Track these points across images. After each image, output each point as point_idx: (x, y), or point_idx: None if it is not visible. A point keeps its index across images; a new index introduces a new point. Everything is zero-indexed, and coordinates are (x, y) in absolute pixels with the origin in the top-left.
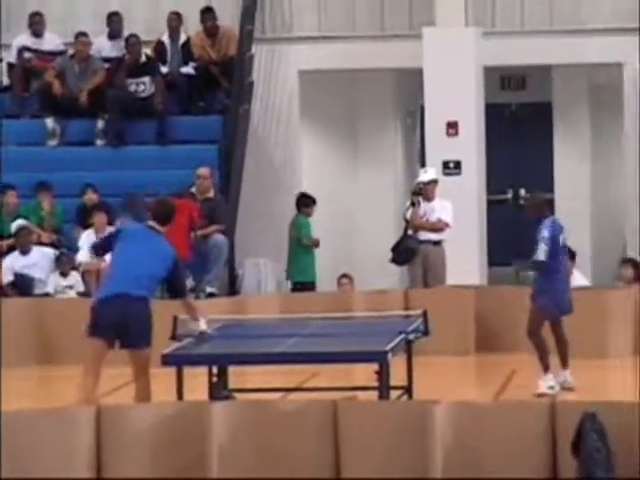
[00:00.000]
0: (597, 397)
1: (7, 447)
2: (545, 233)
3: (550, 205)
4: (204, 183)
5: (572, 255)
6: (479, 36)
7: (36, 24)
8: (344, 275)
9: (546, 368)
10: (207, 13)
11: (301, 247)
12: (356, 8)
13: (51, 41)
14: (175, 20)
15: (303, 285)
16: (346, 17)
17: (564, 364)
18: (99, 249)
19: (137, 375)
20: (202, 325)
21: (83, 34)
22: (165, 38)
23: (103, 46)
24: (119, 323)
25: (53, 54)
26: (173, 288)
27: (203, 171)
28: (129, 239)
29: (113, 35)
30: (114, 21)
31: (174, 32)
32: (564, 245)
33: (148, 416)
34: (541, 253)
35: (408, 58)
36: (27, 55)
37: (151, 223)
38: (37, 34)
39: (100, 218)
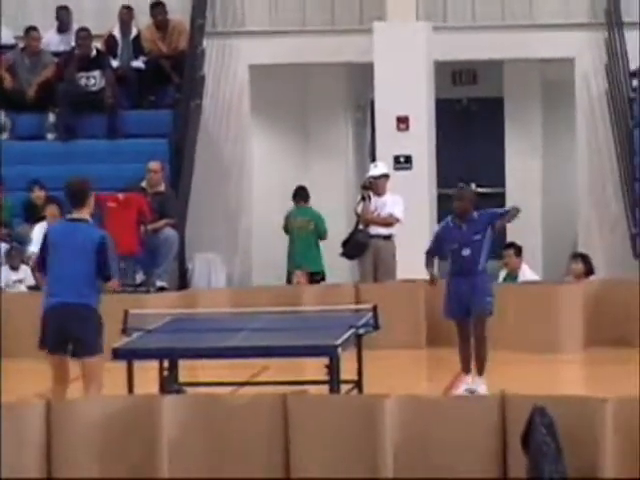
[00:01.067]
0: (547, 391)
1: None
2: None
3: (500, 199)
4: (154, 177)
5: (518, 250)
6: (430, 31)
7: None
8: (299, 267)
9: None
10: (157, 7)
11: (313, 238)
12: (307, 3)
13: (2, 35)
14: (126, 14)
15: (316, 275)
16: (297, 12)
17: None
18: (40, 266)
19: (85, 384)
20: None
21: (33, 28)
22: (116, 32)
23: (52, 40)
24: (62, 334)
25: (4, 48)
26: (99, 271)
27: (153, 165)
28: (54, 242)
29: (62, 29)
30: (63, 15)
31: (125, 26)
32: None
33: (98, 409)
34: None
35: (359, 52)
36: None
37: (71, 215)
38: None
39: (52, 210)
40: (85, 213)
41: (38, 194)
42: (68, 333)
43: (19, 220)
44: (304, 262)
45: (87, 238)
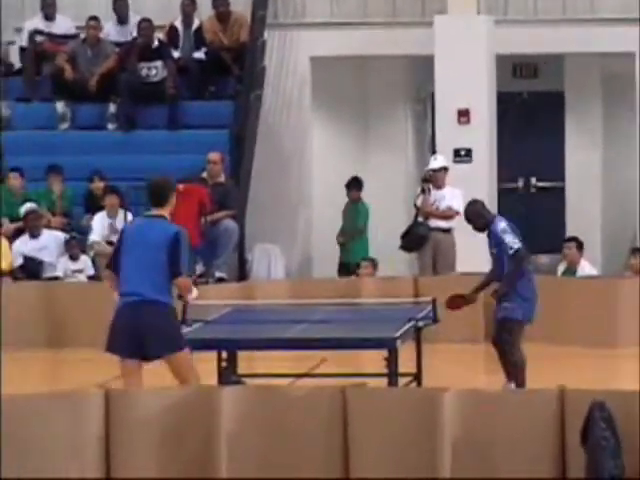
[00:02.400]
0: (606, 386)
1: (16, 430)
2: (503, 224)
3: (560, 194)
4: (215, 168)
5: (580, 245)
6: (491, 24)
7: (48, 7)
8: (365, 259)
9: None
10: None
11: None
12: None
13: (63, 25)
14: (189, 5)
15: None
16: (358, 4)
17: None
18: (113, 265)
19: (181, 381)
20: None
21: (94, 18)
22: (178, 23)
23: (111, 31)
24: (138, 334)
25: (65, 37)
26: (169, 266)
27: (214, 156)
28: (129, 239)
29: (120, 20)
30: (120, 6)
31: (187, 17)
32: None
33: (157, 401)
34: (512, 242)
35: (420, 45)
36: (39, 38)
37: (150, 212)
38: (49, 17)
39: (112, 200)
40: (165, 212)
41: (98, 184)
42: (143, 332)
43: (79, 210)
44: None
45: (162, 233)
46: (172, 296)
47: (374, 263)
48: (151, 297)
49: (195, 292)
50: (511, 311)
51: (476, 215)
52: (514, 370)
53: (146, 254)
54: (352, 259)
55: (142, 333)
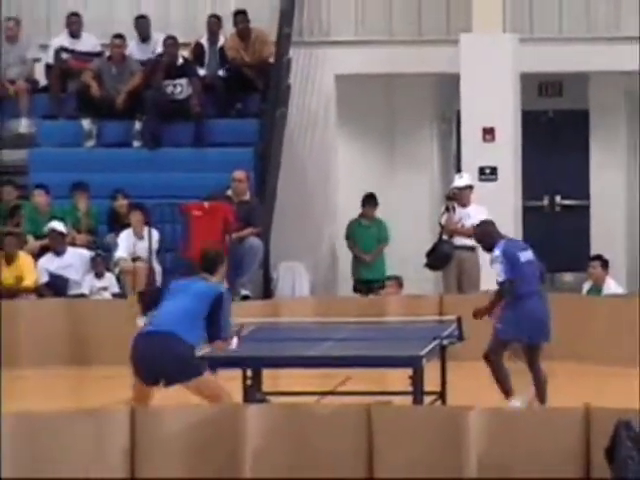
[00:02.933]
0: (632, 405)
1: (42, 447)
2: (497, 252)
3: (585, 212)
4: (240, 186)
5: (605, 263)
6: (516, 42)
7: (73, 25)
8: (390, 277)
9: (506, 393)
10: (239, 15)
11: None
12: (394, 13)
13: (88, 42)
14: (215, 23)
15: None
16: (384, 22)
17: (541, 401)
18: (146, 304)
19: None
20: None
21: (119, 36)
22: (204, 40)
23: (134, 49)
24: (152, 363)
25: (90, 55)
26: (208, 326)
27: (239, 174)
28: (173, 287)
29: (143, 38)
30: (142, 23)
31: (213, 35)
32: (529, 262)
33: (182, 418)
34: (499, 273)
35: (445, 63)
36: (64, 56)
37: (202, 275)
38: (74, 35)
39: (137, 217)
40: (213, 280)
41: (121, 202)
42: (160, 363)
43: (104, 228)
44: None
45: (206, 287)
46: (198, 343)
47: (399, 281)
48: (171, 330)
49: (235, 342)
50: (497, 331)
51: (484, 235)
52: (502, 386)
53: (183, 298)
54: (371, 276)
55: (158, 364)
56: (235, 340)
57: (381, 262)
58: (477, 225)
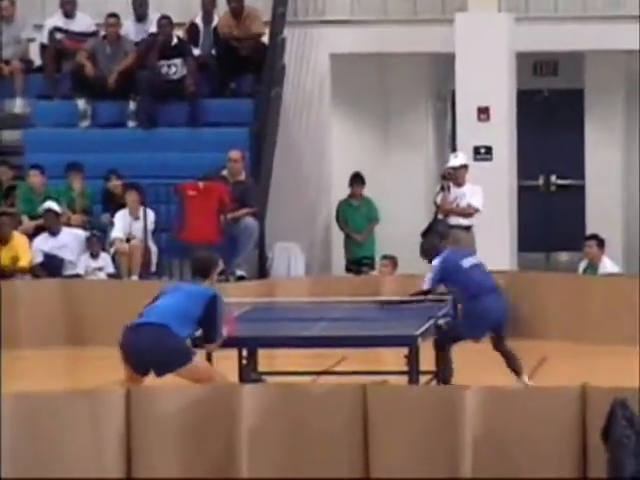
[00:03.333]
0: (628, 384)
1: (37, 428)
2: (435, 261)
3: (580, 192)
4: (235, 166)
5: (601, 242)
6: (512, 21)
7: (68, 5)
8: (385, 256)
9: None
10: None
11: None
12: None
13: (82, 22)
14: (209, 3)
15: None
16: (378, 1)
17: (517, 374)
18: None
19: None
20: None
21: (114, 15)
22: (198, 20)
23: (130, 29)
24: (142, 354)
25: (84, 35)
26: (204, 329)
27: (234, 154)
28: (166, 290)
29: (139, 18)
30: (139, 3)
31: (208, 14)
32: (474, 266)
33: (178, 398)
34: (426, 282)
35: (440, 43)
36: (58, 36)
37: (195, 279)
38: (69, 15)
39: (132, 196)
40: (207, 284)
41: (115, 183)
42: (147, 351)
43: (99, 208)
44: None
45: (199, 290)
46: (186, 336)
47: (394, 261)
48: (160, 323)
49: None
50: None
51: (426, 251)
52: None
53: (174, 297)
54: (362, 255)
55: (147, 355)
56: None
57: (372, 241)
58: (423, 239)
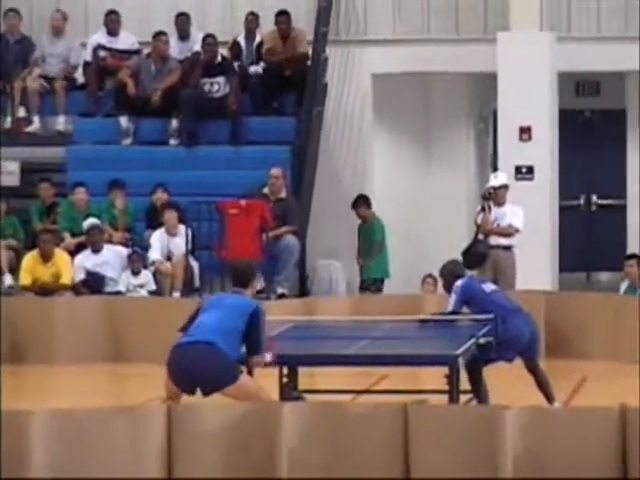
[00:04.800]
0: None
1: (77, 445)
2: (458, 282)
3: (621, 211)
4: (276, 183)
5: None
6: (554, 41)
7: (112, 23)
8: (429, 275)
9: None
10: (282, 16)
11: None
12: (431, 11)
13: (126, 40)
14: (252, 21)
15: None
16: (421, 20)
17: (549, 400)
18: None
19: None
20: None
21: (162, 33)
22: (241, 38)
23: (173, 47)
24: (189, 373)
25: (127, 53)
26: (248, 343)
27: (276, 171)
28: (207, 303)
29: (182, 36)
30: (182, 21)
31: (250, 32)
32: (495, 291)
33: (219, 416)
34: (450, 303)
35: (482, 62)
36: (102, 54)
37: (234, 289)
38: (112, 33)
39: (171, 216)
40: (247, 293)
41: (160, 196)
42: (194, 370)
43: (141, 225)
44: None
45: (242, 302)
46: (236, 356)
47: (436, 280)
48: (208, 340)
49: (268, 357)
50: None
51: (446, 278)
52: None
53: (219, 313)
54: (373, 276)
55: (194, 374)
56: (268, 356)
57: (382, 261)
58: (443, 266)
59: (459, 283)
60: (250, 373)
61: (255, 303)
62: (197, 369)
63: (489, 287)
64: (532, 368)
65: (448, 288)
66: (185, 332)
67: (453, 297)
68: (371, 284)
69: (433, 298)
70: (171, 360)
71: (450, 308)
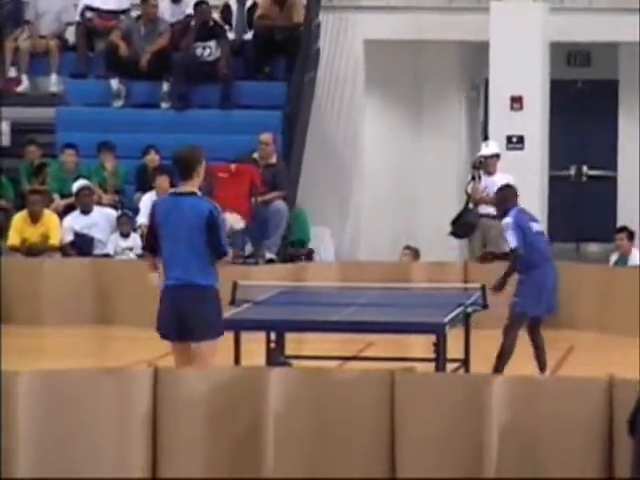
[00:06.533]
0: None
1: (63, 405)
2: (508, 219)
3: (612, 183)
4: (266, 149)
5: (631, 234)
6: (546, 11)
7: None
8: (407, 247)
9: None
10: None
11: None
12: None
13: (118, 0)
14: None
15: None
16: None
17: (541, 369)
18: (149, 247)
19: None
20: None
21: None
22: (232, 2)
23: (165, 10)
24: (181, 318)
25: (115, 13)
26: (212, 247)
27: (266, 137)
28: (161, 220)
29: None
30: None
31: None
32: (540, 233)
33: (205, 379)
34: (511, 240)
35: (474, 31)
36: (89, 14)
37: (177, 189)
38: None
39: (162, 181)
40: (194, 186)
41: (153, 157)
42: (187, 316)
43: (131, 188)
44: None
45: (195, 212)
46: (217, 278)
47: (416, 251)
48: (196, 281)
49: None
50: (514, 305)
51: (502, 200)
52: (500, 356)
53: (185, 236)
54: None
55: (187, 318)
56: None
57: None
58: (499, 188)
59: (509, 220)
60: (237, 340)
61: (208, 206)
62: (192, 316)
63: (535, 227)
64: (535, 329)
65: (502, 214)
66: (150, 251)
67: (510, 233)
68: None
69: (420, 266)
70: (164, 307)
71: (513, 245)
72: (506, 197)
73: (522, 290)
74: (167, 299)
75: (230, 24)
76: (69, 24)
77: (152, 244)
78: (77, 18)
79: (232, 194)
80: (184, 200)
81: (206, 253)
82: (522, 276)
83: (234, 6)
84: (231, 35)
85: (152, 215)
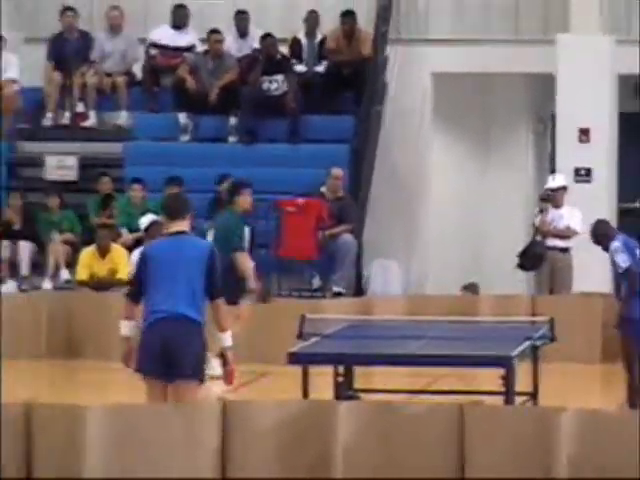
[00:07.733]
0: None
1: (131, 441)
2: (616, 244)
3: None
4: (337, 183)
5: None
6: (613, 44)
7: (179, 17)
8: (465, 287)
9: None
10: (348, 16)
11: None
12: (491, 12)
13: (186, 36)
14: (313, 18)
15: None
16: (481, 20)
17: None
18: (132, 295)
19: None
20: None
21: (216, 31)
22: (301, 36)
23: (232, 45)
24: (164, 350)
25: (179, 50)
26: (208, 286)
27: (337, 171)
28: (156, 260)
29: (241, 34)
30: (241, 19)
31: (311, 30)
32: None
33: (273, 413)
34: (621, 262)
35: (541, 63)
36: (152, 52)
37: (170, 230)
38: (179, 26)
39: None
40: (186, 225)
41: (226, 186)
42: (170, 349)
43: (199, 221)
44: None
45: (194, 249)
46: (204, 314)
47: (474, 288)
48: (191, 316)
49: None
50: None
51: (601, 237)
52: (629, 392)
53: (177, 272)
54: None
55: (176, 351)
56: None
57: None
58: (594, 227)
59: (617, 244)
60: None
61: (207, 244)
62: (177, 347)
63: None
64: (632, 368)
65: (605, 248)
66: (133, 300)
67: (620, 255)
68: None
69: (488, 300)
70: (147, 337)
71: (626, 264)
72: (604, 231)
73: (635, 319)
74: (156, 333)
75: (299, 57)
76: (135, 60)
77: (138, 290)
78: (142, 55)
79: (299, 228)
80: (182, 239)
81: (202, 291)
82: (630, 302)
83: (303, 39)
84: (302, 68)
85: (143, 261)
